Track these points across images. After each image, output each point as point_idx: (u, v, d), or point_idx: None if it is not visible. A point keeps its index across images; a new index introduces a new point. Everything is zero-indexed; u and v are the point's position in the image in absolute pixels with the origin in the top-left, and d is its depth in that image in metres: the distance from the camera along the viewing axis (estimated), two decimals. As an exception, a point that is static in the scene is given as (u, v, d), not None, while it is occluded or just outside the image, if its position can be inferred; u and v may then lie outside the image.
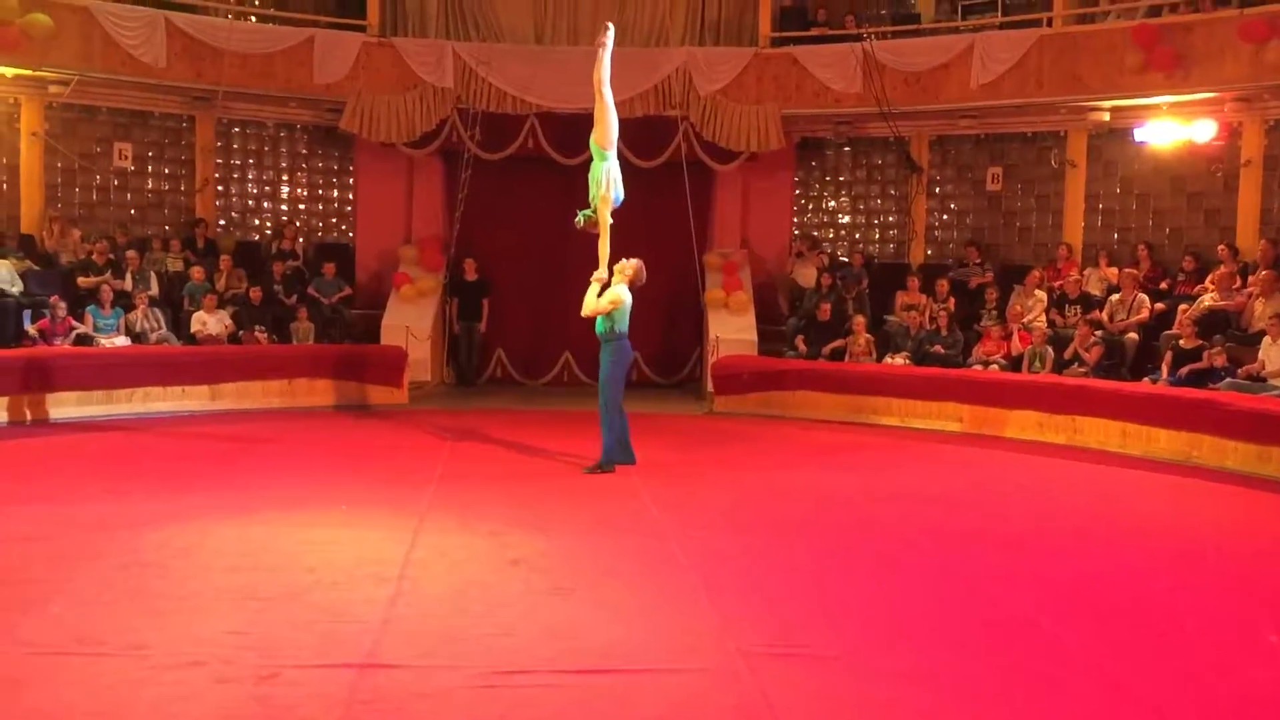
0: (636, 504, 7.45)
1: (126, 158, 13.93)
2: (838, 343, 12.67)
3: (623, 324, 8.51)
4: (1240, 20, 11.27)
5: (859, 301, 13.36)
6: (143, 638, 4.47)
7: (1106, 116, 12.89)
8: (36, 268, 12.40)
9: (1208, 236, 12.52)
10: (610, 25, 8.96)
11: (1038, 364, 11.49)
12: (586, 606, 5.07)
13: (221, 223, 14.59)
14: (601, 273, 8.53)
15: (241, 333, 12.48)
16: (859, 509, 7.54)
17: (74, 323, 11.49)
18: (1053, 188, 13.80)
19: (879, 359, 12.46)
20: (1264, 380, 9.87)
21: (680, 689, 4.12)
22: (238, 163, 14.75)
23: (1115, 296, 11.90)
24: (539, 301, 14.55)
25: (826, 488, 8.28)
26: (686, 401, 13.58)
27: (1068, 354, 11.37)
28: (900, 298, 13.23)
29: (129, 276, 12.57)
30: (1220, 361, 10.21)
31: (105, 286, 11.98)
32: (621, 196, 8.70)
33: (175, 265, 13.27)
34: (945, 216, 14.78)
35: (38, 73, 12.40)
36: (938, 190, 14.70)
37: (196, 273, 12.90)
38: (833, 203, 15.36)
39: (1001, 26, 13.30)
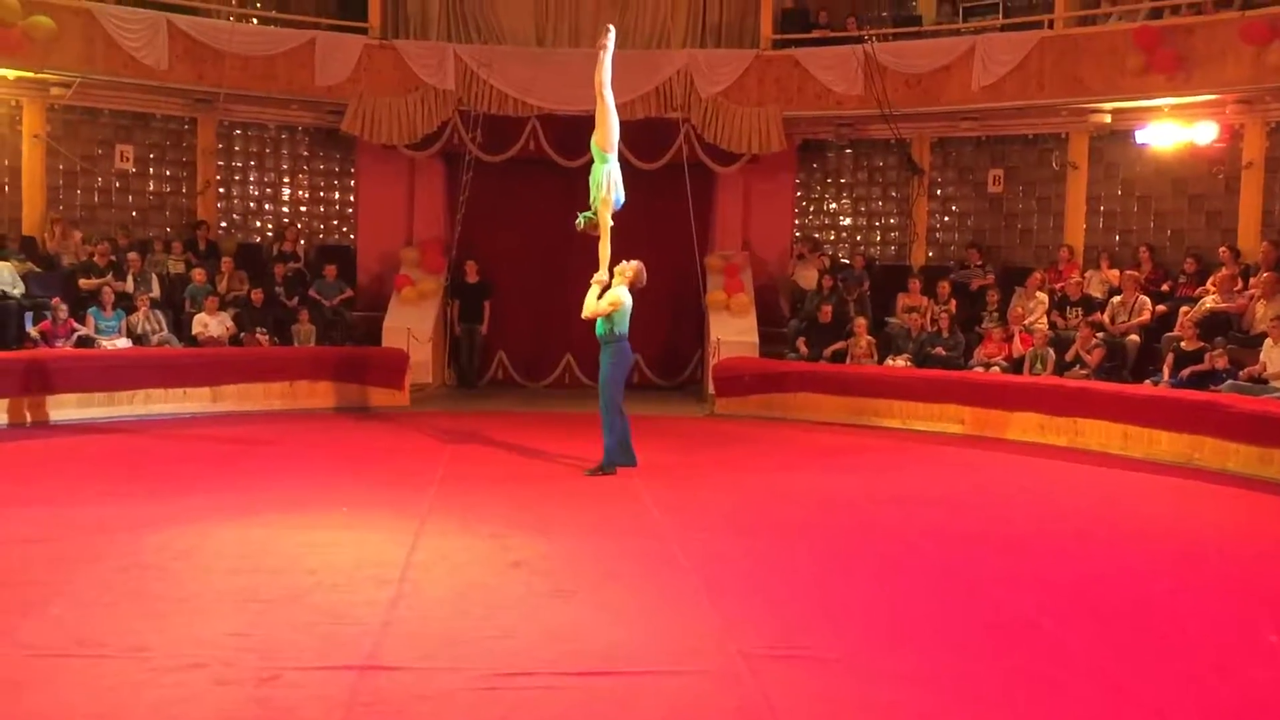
0: (638, 506, 7.45)
1: (128, 160, 13.95)
2: (839, 345, 12.67)
3: (623, 326, 8.51)
4: (1242, 22, 11.28)
5: (860, 303, 13.36)
6: (143, 640, 4.47)
7: (1108, 118, 12.88)
8: (38, 270, 12.41)
9: (1209, 238, 12.51)
10: (611, 27, 8.96)
11: (1039, 366, 11.48)
12: (588, 609, 5.07)
13: (223, 225, 14.61)
14: (602, 275, 8.52)
15: (243, 335, 12.48)
16: (860, 511, 7.53)
17: (75, 325, 11.49)
18: (1054, 190, 13.80)
19: (880, 361, 12.45)
20: (1265, 382, 9.86)
21: (682, 691, 4.11)
22: (239, 165, 14.77)
23: (1117, 298, 11.90)
24: (540, 303, 14.55)
25: (828, 490, 8.28)
26: (688, 403, 13.58)
27: (1069, 356, 11.37)
28: (901, 300, 13.23)
29: (130, 278, 12.58)
30: (1222, 363, 10.21)
31: (107, 288, 11.99)
32: (622, 199, 8.70)
33: (177, 267, 13.28)
34: (946, 218, 14.78)
35: (39, 75, 12.42)
36: (939, 192, 14.70)
37: (198, 275, 12.91)
38: (834, 205, 15.37)
39: (1003, 28, 13.31)
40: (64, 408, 10.66)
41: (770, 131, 13.51)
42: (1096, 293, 12.42)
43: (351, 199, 15.17)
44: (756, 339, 13.32)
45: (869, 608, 5.26)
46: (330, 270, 13.72)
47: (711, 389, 12.92)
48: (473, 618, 4.88)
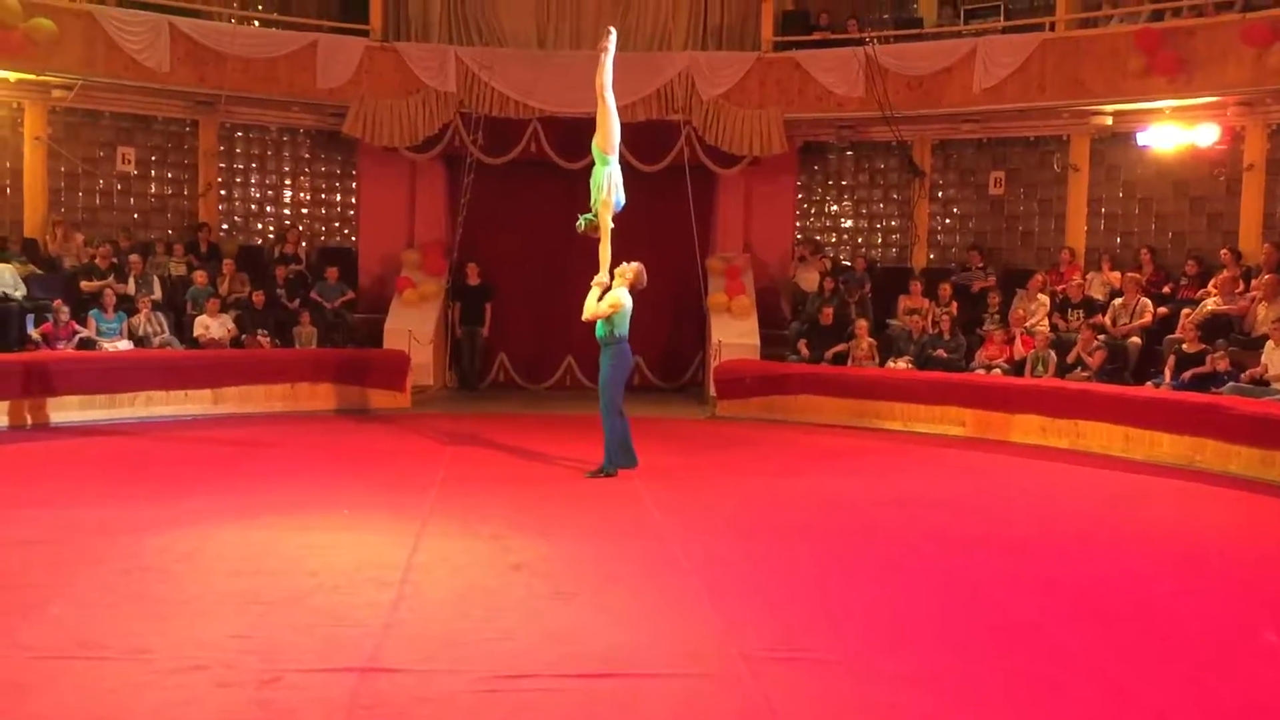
0: (639, 508, 7.45)
1: (129, 162, 13.96)
2: (840, 347, 12.66)
3: (623, 328, 8.51)
4: (1243, 24, 11.27)
5: (861, 306, 13.35)
6: (144, 642, 4.47)
7: (1109, 120, 12.88)
8: (39, 272, 12.43)
9: (1210, 240, 12.51)
10: (612, 30, 8.97)
11: (1040, 368, 11.48)
12: (589, 611, 5.07)
13: (224, 227, 14.62)
14: (602, 277, 8.52)
15: (244, 337, 12.48)
16: (862, 513, 7.53)
17: (77, 327, 11.49)
18: (1055, 192, 13.80)
19: (881, 363, 12.45)
20: (1267, 384, 9.85)
21: (683, 693, 4.11)
22: (241, 167, 14.78)
23: (1118, 301, 11.89)
24: (542, 306, 14.55)
25: (829, 492, 8.28)
26: (689, 405, 13.58)
27: (1070, 358, 11.36)
28: (903, 302, 13.23)
29: (132, 281, 12.59)
30: (1223, 366, 10.20)
31: (108, 291, 12.00)
32: (623, 201, 8.71)
33: (178, 269, 13.29)
34: (948, 220, 14.78)
35: (41, 77, 12.44)
36: (940, 194, 14.70)
37: (199, 277, 12.92)
38: (835, 207, 15.37)
39: (1004, 31, 13.30)
40: (65, 410, 10.67)
41: (771, 133, 13.51)
42: (1098, 295, 12.42)
43: (353, 201, 15.18)
44: (758, 341, 13.32)
45: (870, 610, 5.26)
46: (332, 272, 13.73)
47: (713, 391, 12.92)
48: (474, 620, 4.87)
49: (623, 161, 9.03)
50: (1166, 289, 12.17)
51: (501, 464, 9.15)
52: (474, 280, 14.13)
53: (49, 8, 11.96)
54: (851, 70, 13.29)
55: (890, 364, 12.37)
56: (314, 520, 6.76)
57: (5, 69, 12.12)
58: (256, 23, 14.50)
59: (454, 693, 4.05)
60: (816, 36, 14.06)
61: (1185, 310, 11.27)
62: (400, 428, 11.01)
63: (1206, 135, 12.26)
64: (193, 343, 12.21)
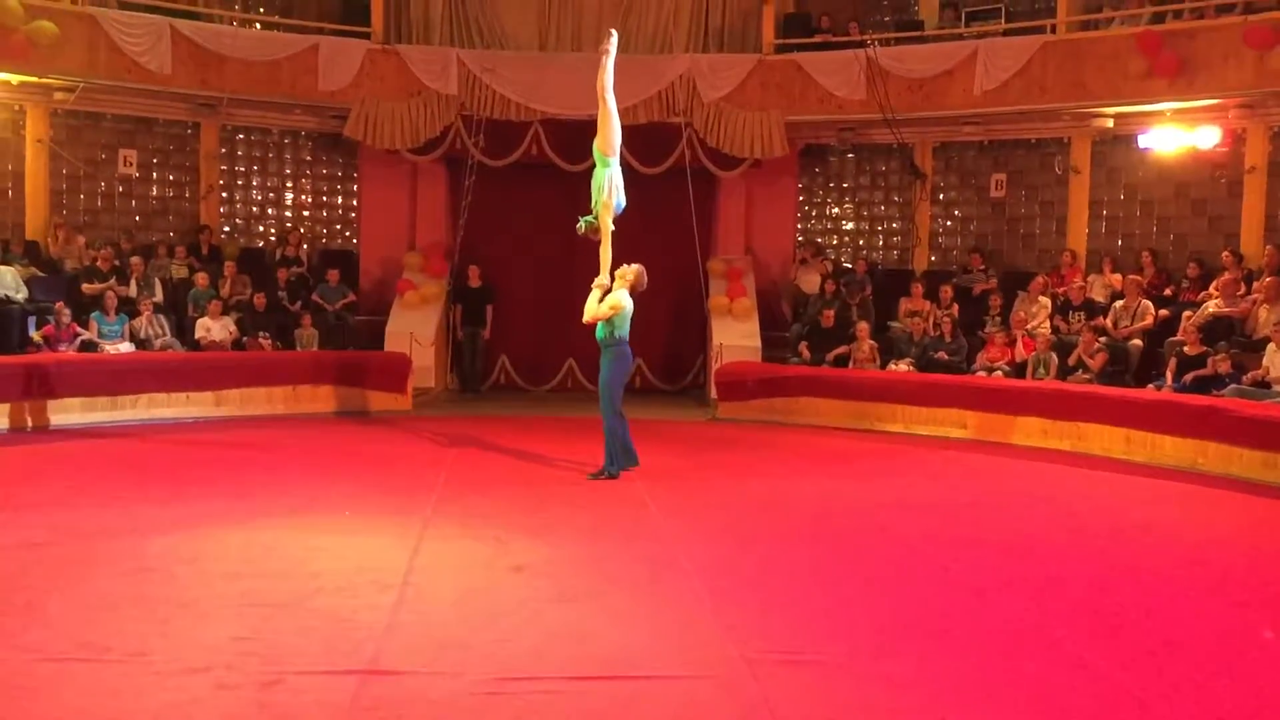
0: (640, 510, 7.44)
1: (131, 164, 13.98)
2: (841, 349, 12.66)
3: (623, 329, 8.51)
4: (1244, 26, 11.28)
5: (863, 308, 13.35)
6: (146, 644, 4.47)
7: (1110, 123, 12.88)
8: (41, 274, 12.43)
9: (1212, 243, 12.51)
10: (614, 32, 8.99)
11: (1042, 370, 11.47)
12: (590, 613, 5.07)
13: (226, 229, 14.64)
14: (603, 279, 8.53)
15: (245, 339, 12.49)
16: (863, 515, 7.52)
17: (78, 329, 11.50)
18: (1057, 194, 13.80)
19: (883, 365, 12.45)
20: (1269, 386, 9.85)
21: (684, 695, 4.11)
22: (242, 169, 14.80)
23: (1119, 303, 11.89)
24: (543, 308, 14.55)
25: (830, 494, 8.27)
26: (690, 408, 13.57)
27: (1072, 360, 11.36)
28: (904, 304, 13.22)
29: (133, 283, 12.60)
30: (1225, 368, 10.20)
31: (110, 293, 12.02)
32: (623, 203, 8.72)
33: (180, 272, 13.30)
34: (949, 223, 14.79)
35: (43, 79, 12.45)
36: (941, 197, 14.71)
37: (201, 279, 12.93)
38: (836, 209, 15.38)
39: (1005, 33, 13.30)
40: (67, 412, 10.67)
41: (772, 136, 13.52)
42: (1099, 297, 12.42)
43: (354, 203, 15.19)
44: (759, 343, 13.32)
45: (871, 612, 5.26)
46: (333, 275, 13.73)
47: (714, 393, 12.92)
48: (475, 622, 4.87)
49: (624, 164, 9.03)
50: (1168, 291, 12.16)
51: (503, 466, 9.15)
52: (475, 282, 14.13)
53: (51, 10, 11.98)
54: (852, 73, 13.29)
55: (891, 366, 12.37)
56: (315, 522, 6.76)
57: (7, 71, 12.13)
58: (258, 25, 14.51)
59: (455, 695, 4.05)
60: (818, 39, 14.07)
61: (1187, 312, 11.26)
62: (401, 430, 11.02)
63: (1208, 137, 12.26)
64: (194, 345, 12.22)
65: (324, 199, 15.24)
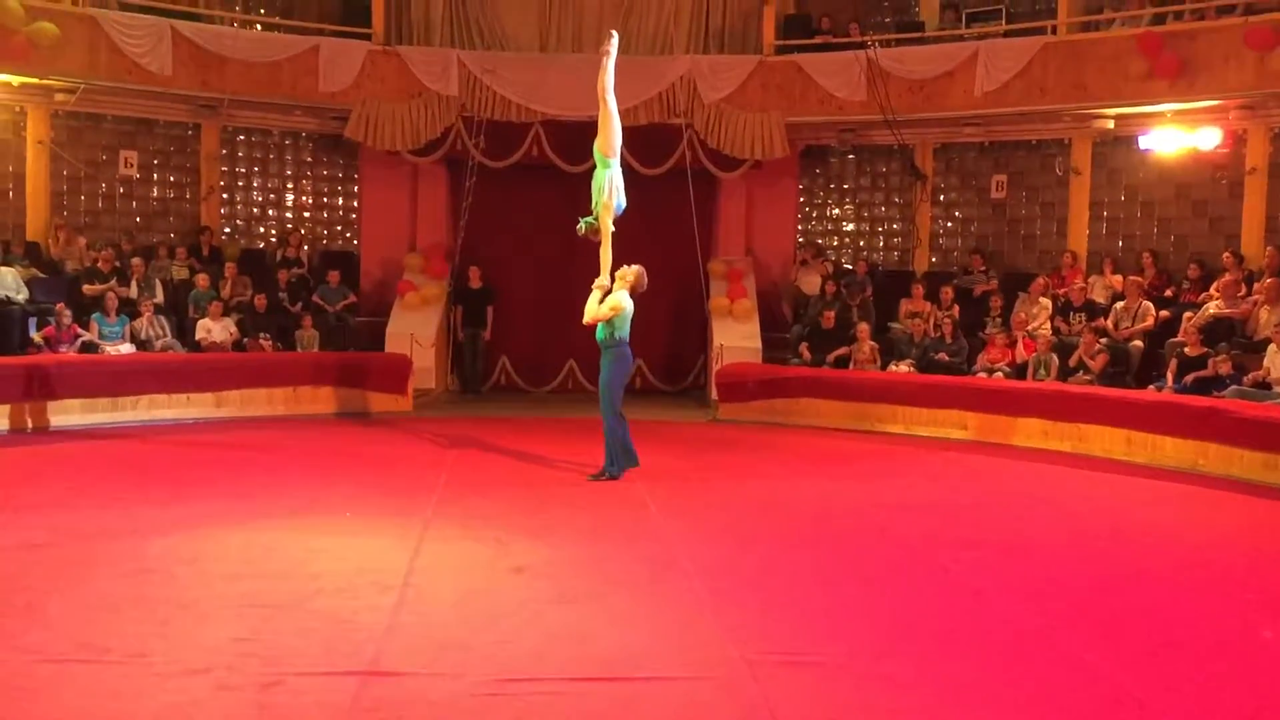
0: (641, 512, 7.44)
1: (132, 165, 13.98)
2: (842, 350, 12.66)
3: (623, 330, 8.51)
4: (1245, 28, 11.28)
5: (863, 309, 13.35)
6: (146, 645, 4.47)
7: (1111, 124, 12.89)
8: (42, 275, 12.44)
9: (1212, 244, 12.51)
10: (614, 33, 8.99)
11: (1043, 372, 11.47)
12: (590, 614, 5.07)
13: (226, 230, 14.64)
14: (603, 280, 8.53)
15: (246, 340, 12.49)
16: (863, 516, 7.52)
17: (79, 330, 11.50)
18: (1057, 195, 13.80)
19: (883, 367, 12.44)
20: (1270, 388, 9.85)
21: (685, 697, 4.11)
22: (243, 170, 14.80)
23: (1120, 304, 11.89)
24: (543, 309, 14.54)
25: (831, 495, 8.27)
26: (691, 409, 13.57)
27: (1072, 362, 11.35)
28: (904, 305, 13.22)
29: (134, 284, 12.60)
30: (1226, 369, 10.19)
31: (110, 294, 12.01)
32: (623, 204, 8.71)
33: (180, 273, 13.30)
34: (949, 224, 14.79)
35: (44, 81, 12.46)
36: (942, 198, 14.71)
37: (201, 280, 12.92)
38: (837, 210, 15.38)
39: (1006, 34, 13.30)
40: (68, 413, 10.67)
41: (773, 137, 13.51)
42: (1100, 298, 12.42)
43: (355, 205, 15.19)
44: (759, 344, 13.31)
45: (872, 613, 5.26)
46: (334, 276, 13.74)
47: (714, 394, 12.91)
48: (475, 623, 4.87)
49: (624, 165, 9.03)
50: (1168, 292, 12.16)
51: (503, 467, 9.15)
52: (476, 283, 14.13)
53: (51, 12, 11.99)
54: (853, 74, 13.29)
55: (892, 367, 12.37)
56: (316, 523, 6.76)
57: (8, 73, 12.14)
58: (259, 26, 14.51)
59: (455, 696, 4.05)
60: (818, 40, 14.07)
61: (1187, 314, 11.26)
62: (402, 431, 11.02)
63: (1208, 139, 12.26)
64: (195, 346, 12.22)
65: (325, 200, 15.24)
